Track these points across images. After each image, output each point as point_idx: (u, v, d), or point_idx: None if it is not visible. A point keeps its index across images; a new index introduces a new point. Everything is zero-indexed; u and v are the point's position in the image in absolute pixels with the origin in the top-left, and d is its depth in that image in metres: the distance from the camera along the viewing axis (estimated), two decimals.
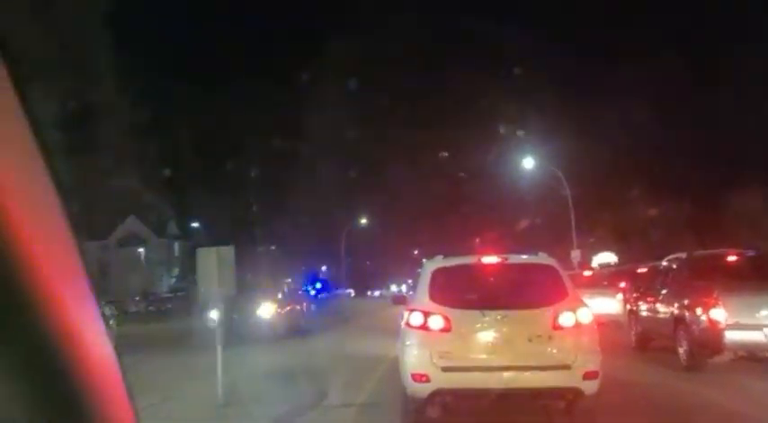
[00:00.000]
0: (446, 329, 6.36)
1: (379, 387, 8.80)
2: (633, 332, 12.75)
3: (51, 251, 0.74)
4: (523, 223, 33.50)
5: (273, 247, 60.41)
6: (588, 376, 6.15)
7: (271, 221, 53.87)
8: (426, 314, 6.43)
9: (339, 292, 60.89)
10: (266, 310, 17.18)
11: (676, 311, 10.43)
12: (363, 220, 55.58)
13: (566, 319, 6.34)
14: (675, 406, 7.31)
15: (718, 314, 9.24)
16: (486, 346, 6.35)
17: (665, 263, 12.44)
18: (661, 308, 11.30)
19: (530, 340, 6.26)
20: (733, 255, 11.14)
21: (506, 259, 7.09)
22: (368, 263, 78.84)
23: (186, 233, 51.39)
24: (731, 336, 9.13)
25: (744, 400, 7.47)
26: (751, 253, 11.03)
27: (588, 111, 30.35)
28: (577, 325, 6.33)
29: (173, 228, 55.94)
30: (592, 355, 6.29)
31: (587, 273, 22.02)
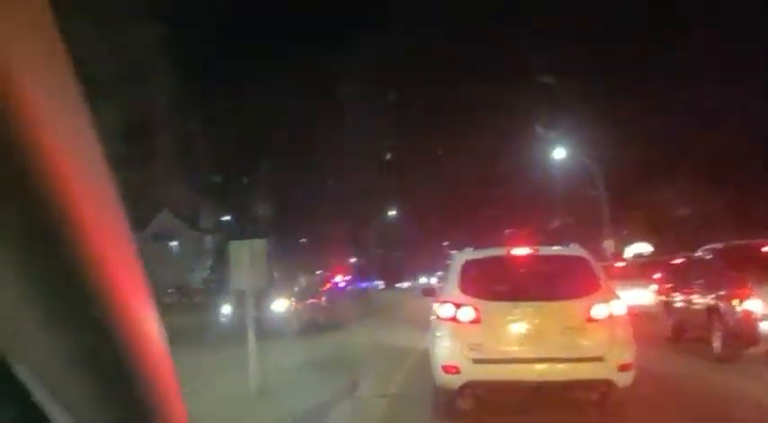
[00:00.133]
0: (476, 321, 6.34)
1: (410, 379, 8.82)
2: (667, 323, 12.66)
3: (112, 244, 0.75)
4: (554, 216, 33.18)
5: (303, 240, 60.86)
6: (622, 368, 6.09)
7: (301, 214, 54.23)
8: (456, 306, 6.43)
9: (367, 284, 61.07)
10: (281, 305, 16.57)
11: (711, 302, 10.33)
12: (392, 212, 55.65)
13: (599, 310, 6.28)
14: (709, 397, 7.21)
15: (754, 305, 9.16)
16: (517, 338, 6.33)
17: (699, 253, 12.33)
18: (695, 299, 11.20)
19: (562, 332, 6.22)
20: None
21: (537, 251, 7.05)
22: (397, 254, 78.91)
23: (218, 226, 52.03)
24: (766, 327, 9.04)
25: None
26: None
27: (620, 98, 29.85)
28: (611, 317, 6.27)
29: (205, 221, 56.67)
30: (626, 346, 6.23)
31: (620, 264, 21.76)
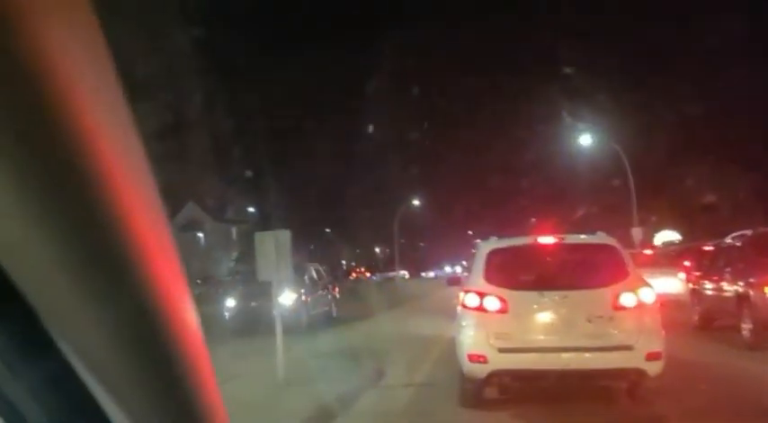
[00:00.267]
0: (503, 310, 6.32)
1: (436, 368, 8.83)
2: (695, 311, 12.55)
3: (151, 232, 0.77)
4: (582, 204, 32.83)
5: (328, 230, 61.13)
6: (652, 357, 6.03)
7: (325, 205, 54.47)
8: (482, 295, 6.41)
9: (393, 274, 61.13)
10: (289, 298, 15.16)
11: (741, 290, 10.23)
12: (416, 202, 55.54)
13: (627, 299, 6.21)
14: (739, 385, 7.12)
15: None
16: (544, 327, 6.30)
17: (729, 240, 12.18)
18: (725, 286, 11.08)
19: (589, 321, 6.17)
20: None
21: (563, 239, 6.99)
22: (422, 244, 78.96)
23: (243, 217, 52.48)
24: None
25: None
26: None
27: (648, 82, 29.38)
28: (639, 305, 6.20)
29: (230, 212, 57.18)
30: (654, 335, 6.17)
31: (648, 252, 21.51)
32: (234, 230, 56.62)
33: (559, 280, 6.56)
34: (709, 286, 12.00)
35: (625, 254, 6.80)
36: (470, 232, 58.77)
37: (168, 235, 0.81)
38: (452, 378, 7.06)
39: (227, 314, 16.16)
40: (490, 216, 43.36)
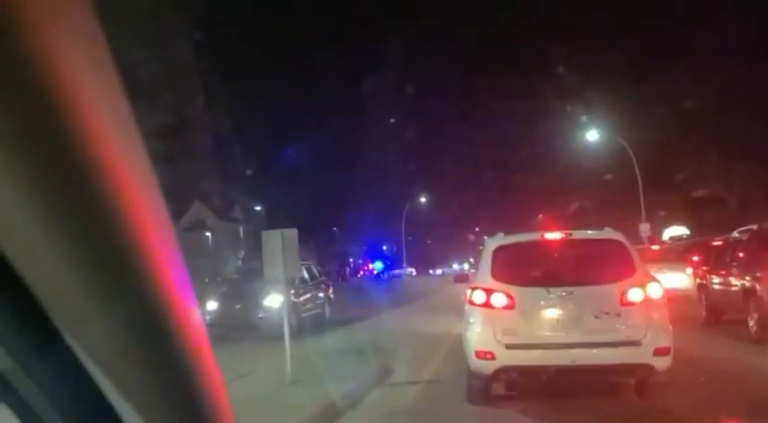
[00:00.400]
0: (509, 307, 6.32)
1: (444, 364, 8.84)
2: (703, 306, 12.57)
3: (155, 230, 0.78)
4: (588, 199, 32.71)
5: (335, 229, 61.21)
6: (659, 352, 6.03)
7: (332, 204, 54.53)
8: (489, 292, 6.41)
9: (400, 271, 61.12)
10: (275, 300, 13.43)
11: (747, 284, 10.28)
12: (423, 199, 55.53)
13: (634, 294, 6.21)
14: (746, 379, 7.13)
15: None
16: (551, 323, 6.30)
17: (735, 235, 12.20)
18: (731, 281, 11.12)
19: (596, 317, 6.17)
20: None
21: (570, 235, 6.99)
22: (428, 241, 78.91)
23: (250, 216, 52.60)
24: None
25: None
26: None
27: (653, 74, 29.21)
28: (647, 300, 6.20)
29: (237, 212, 57.31)
30: (662, 330, 6.16)
31: (655, 247, 21.46)
32: (241, 229, 56.72)
33: (566, 276, 6.56)
34: (716, 281, 12.02)
35: (632, 249, 6.79)
36: (477, 229, 58.77)
37: (172, 234, 0.83)
38: (460, 375, 7.07)
39: (207, 318, 13.93)
40: (498, 212, 43.28)
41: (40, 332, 0.79)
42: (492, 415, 6.43)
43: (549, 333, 6.29)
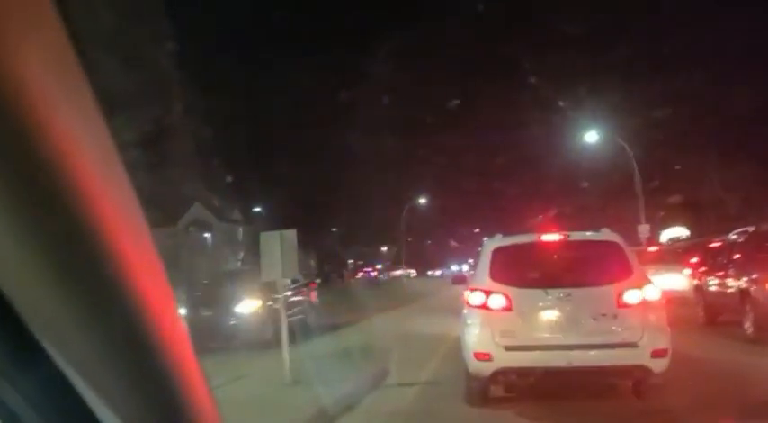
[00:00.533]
0: (507, 308, 6.33)
1: (442, 366, 8.85)
2: (700, 307, 12.63)
3: (133, 240, 0.80)
4: (587, 200, 32.71)
5: (335, 230, 61.17)
6: (657, 354, 6.05)
7: (330, 204, 54.52)
8: (487, 293, 6.43)
9: (399, 273, 61.08)
10: (248, 306, 12.47)
11: (743, 285, 10.35)
12: (422, 200, 55.50)
13: (631, 296, 6.23)
14: (743, 380, 7.11)
15: None
16: (548, 325, 6.31)
17: (732, 236, 12.27)
18: (727, 282, 11.20)
19: (594, 318, 6.19)
20: None
21: (568, 237, 7.00)
22: (428, 242, 78.91)
23: (249, 217, 52.60)
24: None
25: None
26: None
27: (656, 78, 29.25)
28: (644, 302, 6.22)
29: (236, 213, 57.29)
30: (659, 332, 6.18)
31: (653, 249, 21.48)
32: (240, 230, 56.68)
33: (564, 277, 6.57)
34: (712, 282, 12.08)
35: (629, 251, 6.81)
36: (476, 230, 58.75)
37: (150, 242, 0.84)
38: (458, 376, 7.08)
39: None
40: (496, 214, 43.32)
41: (21, 344, 0.81)
42: (490, 417, 6.43)
43: (546, 334, 6.30)
